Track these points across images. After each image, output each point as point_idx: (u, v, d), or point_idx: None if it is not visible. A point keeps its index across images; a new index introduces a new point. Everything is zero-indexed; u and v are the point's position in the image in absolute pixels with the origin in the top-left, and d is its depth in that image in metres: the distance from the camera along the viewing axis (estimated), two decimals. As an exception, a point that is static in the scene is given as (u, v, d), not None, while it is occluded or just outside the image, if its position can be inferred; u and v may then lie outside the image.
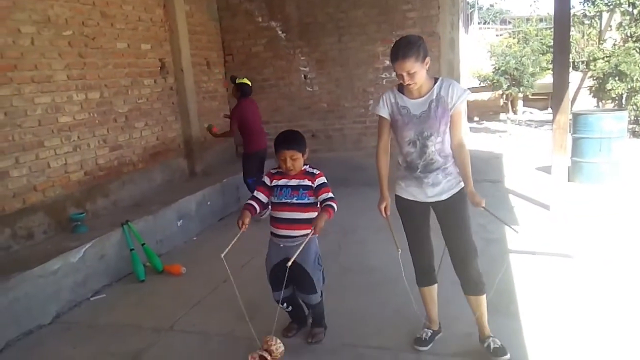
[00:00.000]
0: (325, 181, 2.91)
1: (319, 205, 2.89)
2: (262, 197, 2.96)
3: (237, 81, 5.65)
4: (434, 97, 2.55)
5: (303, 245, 2.74)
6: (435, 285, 2.92)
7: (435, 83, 2.58)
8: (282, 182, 2.92)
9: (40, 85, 4.29)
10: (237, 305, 3.42)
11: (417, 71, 2.46)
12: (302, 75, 7.23)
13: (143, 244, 4.40)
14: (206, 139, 6.73)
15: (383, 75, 6.87)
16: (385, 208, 2.82)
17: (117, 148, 5.24)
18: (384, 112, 2.70)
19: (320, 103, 7.23)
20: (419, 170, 2.64)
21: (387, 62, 6.80)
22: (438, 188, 2.64)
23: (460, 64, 6.70)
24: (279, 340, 2.76)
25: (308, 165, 2.95)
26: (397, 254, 2.64)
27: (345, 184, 6.90)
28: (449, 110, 2.54)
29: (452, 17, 6.47)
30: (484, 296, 2.74)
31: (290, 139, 2.88)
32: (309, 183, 2.89)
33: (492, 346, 2.70)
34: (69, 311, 3.73)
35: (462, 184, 2.64)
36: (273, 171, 2.99)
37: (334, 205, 2.84)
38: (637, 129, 9.61)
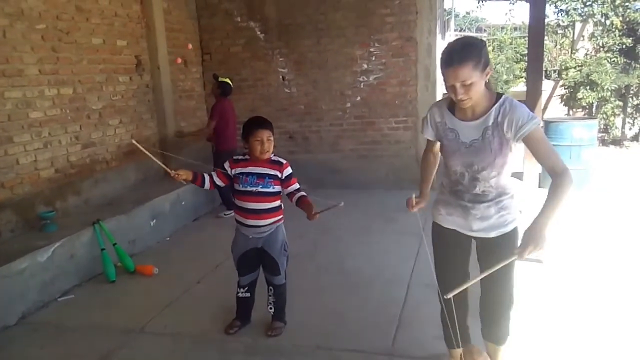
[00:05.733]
0: (292, 171, 3.00)
1: (289, 197, 3.00)
2: (218, 180, 3.00)
3: (220, 79, 5.69)
4: (490, 123, 1.99)
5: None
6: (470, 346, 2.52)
7: (495, 103, 2.01)
8: (248, 169, 2.93)
9: (10, 79, 4.16)
10: (210, 307, 3.42)
11: (475, 82, 1.90)
12: (280, 77, 7.20)
13: (114, 244, 4.32)
14: (182, 138, 6.66)
15: (361, 79, 6.89)
16: (416, 203, 2.36)
17: (90, 145, 5.13)
18: (429, 134, 2.27)
19: (297, 105, 7.21)
20: (465, 200, 2.17)
21: (365, 66, 6.84)
22: (486, 223, 2.15)
23: (437, 70, 6.77)
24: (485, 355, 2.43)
25: (273, 154, 2.99)
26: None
27: (322, 186, 6.90)
28: (507, 141, 1.99)
29: (429, 23, 6.53)
30: (502, 348, 2.40)
31: (264, 121, 2.95)
32: (276, 172, 2.93)
33: None
34: (36, 312, 3.62)
35: (516, 223, 2.16)
36: (235, 158, 3.00)
37: (305, 194, 2.99)
38: (606, 138, 9.88)
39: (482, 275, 2.00)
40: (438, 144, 2.31)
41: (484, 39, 19.60)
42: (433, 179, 2.54)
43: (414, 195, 2.37)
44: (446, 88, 1.99)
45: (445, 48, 1.96)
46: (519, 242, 2.02)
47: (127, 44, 5.72)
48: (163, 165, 2.96)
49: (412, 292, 3.63)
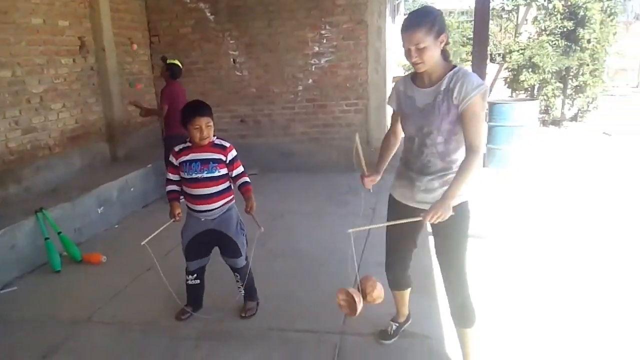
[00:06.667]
0: (236, 154, 3.00)
1: (233, 181, 3.01)
2: (176, 177, 3.01)
3: (168, 62, 5.52)
4: (442, 88, 2.14)
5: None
6: (408, 290, 2.78)
7: (449, 72, 2.15)
8: (190, 156, 2.91)
9: (-59, 61, 3.95)
10: (160, 294, 3.39)
11: (428, 47, 2.05)
12: (231, 59, 7.10)
13: (59, 233, 4.19)
14: (129, 122, 6.49)
15: (312, 62, 6.89)
16: (369, 179, 2.48)
17: (31, 131, 4.93)
18: (393, 103, 2.41)
19: (249, 88, 7.14)
20: (413, 170, 2.30)
21: (317, 49, 6.84)
22: (430, 196, 2.25)
23: (387, 53, 6.84)
24: (379, 284, 2.39)
25: (216, 137, 2.97)
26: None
27: (274, 169, 6.94)
28: (455, 107, 2.11)
29: (379, 6, 6.58)
30: (468, 331, 2.42)
31: (202, 106, 2.91)
32: (220, 156, 2.92)
33: None
34: (-24, 305, 3.50)
35: (463, 199, 2.23)
36: (177, 149, 2.97)
37: (249, 180, 3.03)
38: (546, 118, 10.31)
39: (388, 224, 2.35)
40: (400, 125, 2.44)
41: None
42: (389, 160, 2.61)
43: (367, 173, 2.48)
44: (404, 54, 2.15)
45: (406, 17, 2.15)
46: (468, 219, 2.30)
47: (69, 24, 5.50)
48: (161, 228, 2.91)
49: (363, 272, 3.68)
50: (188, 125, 2.85)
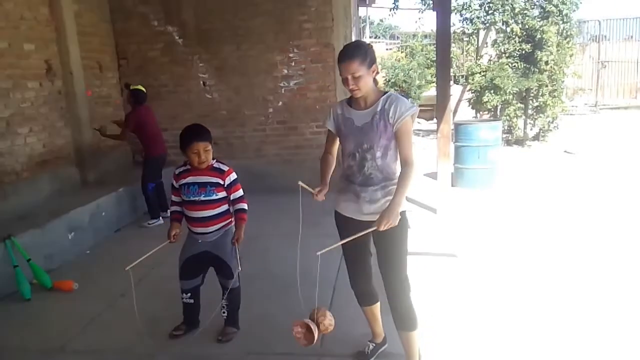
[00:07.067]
0: (236, 177, 3.03)
1: (232, 204, 3.03)
2: (178, 199, 3.06)
3: (132, 87, 5.57)
4: (379, 109, 2.43)
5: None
6: (377, 304, 2.86)
7: (382, 96, 2.46)
8: (189, 179, 2.96)
9: None
10: (135, 321, 3.35)
11: (363, 76, 2.35)
12: (201, 82, 7.14)
13: (29, 260, 4.09)
14: (100, 146, 6.42)
15: (282, 84, 7.01)
16: (319, 193, 2.53)
17: (-3, 156, 4.84)
18: (330, 124, 2.64)
19: (220, 110, 7.19)
20: (357, 183, 2.51)
21: (286, 71, 6.96)
22: (374, 206, 2.47)
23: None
24: (329, 313, 2.56)
25: (215, 160, 3.00)
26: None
27: (247, 191, 6.84)
28: (391, 126, 2.41)
29: (345, 30, 6.77)
30: (413, 334, 2.62)
31: (200, 131, 2.95)
32: (218, 180, 2.95)
33: None
34: (-58, 338, 3.37)
35: (402, 208, 2.39)
36: (177, 171, 3.03)
37: (245, 207, 3.04)
38: (510, 138, 10.68)
39: (347, 240, 2.45)
40: (335, 146, 2.68)
41: (398, 45, 20.38)
42: (331, 175, 2.72)
43: (316, 189, 2.56)
44: (342, 81, 2.43)
45: (341, 49, 2.46)
46: (407, 227, 2.50)
47: (35, 48, 5.45)
48: (154, 249, 2.94)
49: (338, 293, 3.76)
50: (186, 149, 2.88)
